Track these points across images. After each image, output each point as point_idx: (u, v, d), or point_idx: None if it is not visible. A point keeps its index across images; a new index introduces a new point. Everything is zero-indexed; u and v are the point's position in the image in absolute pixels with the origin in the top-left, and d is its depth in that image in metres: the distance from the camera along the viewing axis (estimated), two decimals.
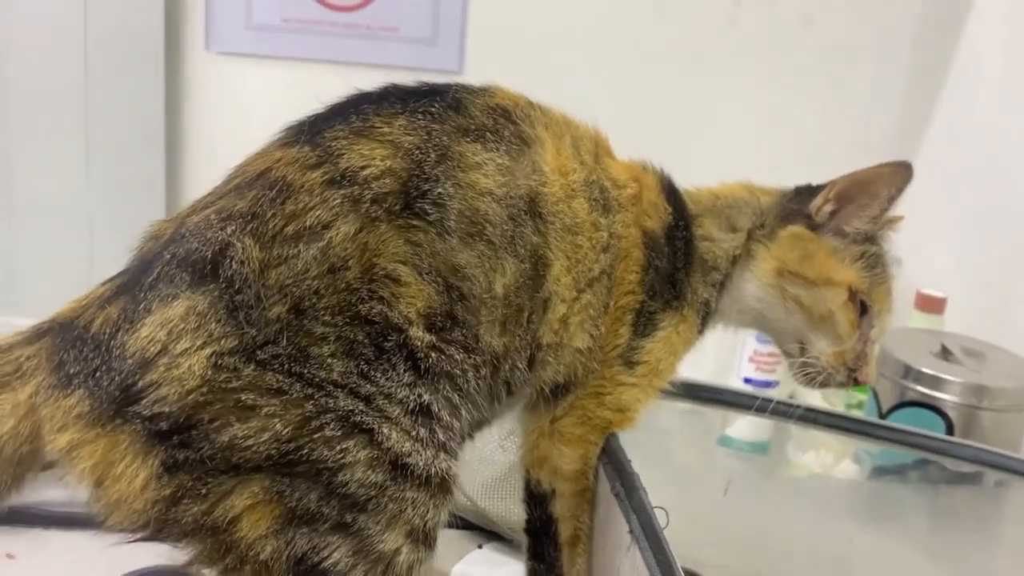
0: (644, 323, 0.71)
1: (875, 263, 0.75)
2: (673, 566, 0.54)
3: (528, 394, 0.68)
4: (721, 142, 1.68)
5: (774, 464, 1.38)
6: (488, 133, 0.61)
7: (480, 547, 0.93)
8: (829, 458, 1.31)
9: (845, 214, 0.74)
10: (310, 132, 0.57)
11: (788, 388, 1.47)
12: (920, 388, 1.24)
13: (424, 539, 0.56)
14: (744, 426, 1.35)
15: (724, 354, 1.47)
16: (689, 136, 1.68)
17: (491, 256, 0.59)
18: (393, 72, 1.65)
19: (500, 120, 0.63)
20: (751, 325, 0.81)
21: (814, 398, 1.37)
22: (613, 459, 0.69)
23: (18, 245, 1.65)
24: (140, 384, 0.47)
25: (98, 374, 0.48)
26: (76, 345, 0.50)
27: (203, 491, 0.49)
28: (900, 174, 0.73)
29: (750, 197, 0.78)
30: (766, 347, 1.43)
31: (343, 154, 0.55)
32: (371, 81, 1.80)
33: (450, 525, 0.58)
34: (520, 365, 0.63)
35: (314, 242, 0.52)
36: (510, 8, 1.66)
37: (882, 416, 1.26)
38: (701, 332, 0.78)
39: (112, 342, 0.49)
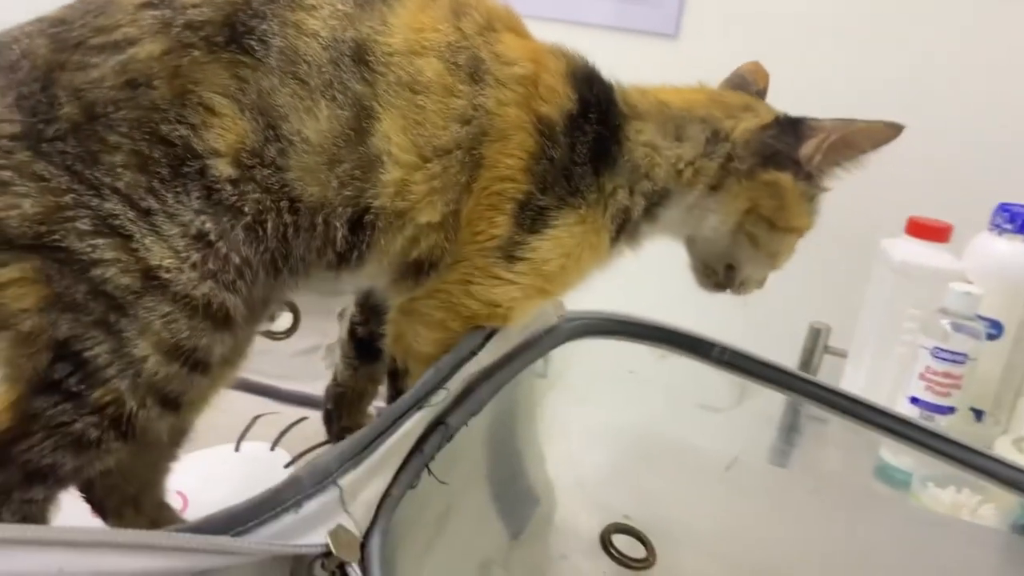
0: (531, 217, 0.65)
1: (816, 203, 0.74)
2: None
3: (382, 268, 0.66)
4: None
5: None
6: None
7: None
8: (973, 500, 1.07)
9: (826, 162, 0.70)
10: None
11: (963, 417, 1.23)
12: None
13: (179, 356, 0.57)
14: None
15: (889, 365, 1.27)
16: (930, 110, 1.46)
17: (305, 98, 0.58)
18: (608, 32, 1.65)
19: None
20: (679, 239, 0.77)
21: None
22: None
23: None
24: None
25: None
26: None
27: None
28: (890, 134, 0.68)
29: (709, 113, 0.71)
30: (942, 365, 1.20)
31: None
32: (580, 39, 1.81)
33: None
34: (337, 223, 0.61)
35: (116, 55, 0.55)
36: None
37: None
38: (618, 241, 0.70)
39: None
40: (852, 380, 1.35)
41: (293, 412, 0.97)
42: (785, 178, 0.70)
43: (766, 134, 0.70)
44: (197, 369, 0.59)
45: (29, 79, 0.54)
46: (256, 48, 0.57)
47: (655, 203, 0.70)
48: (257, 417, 0.93)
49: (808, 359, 1.55)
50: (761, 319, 1.71)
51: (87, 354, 0.55)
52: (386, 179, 0.61)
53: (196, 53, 0.56)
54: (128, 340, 0.56)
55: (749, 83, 0.78)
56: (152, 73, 0.55)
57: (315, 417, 0.95)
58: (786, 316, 1.54)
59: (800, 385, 0.84)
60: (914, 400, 1.22)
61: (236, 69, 0.57)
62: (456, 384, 0.61)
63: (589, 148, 0.66)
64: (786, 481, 0.87)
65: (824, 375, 1.57)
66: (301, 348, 1.06)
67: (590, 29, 1.66)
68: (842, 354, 1.44)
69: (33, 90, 0.54)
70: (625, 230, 0.70)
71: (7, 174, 0.53)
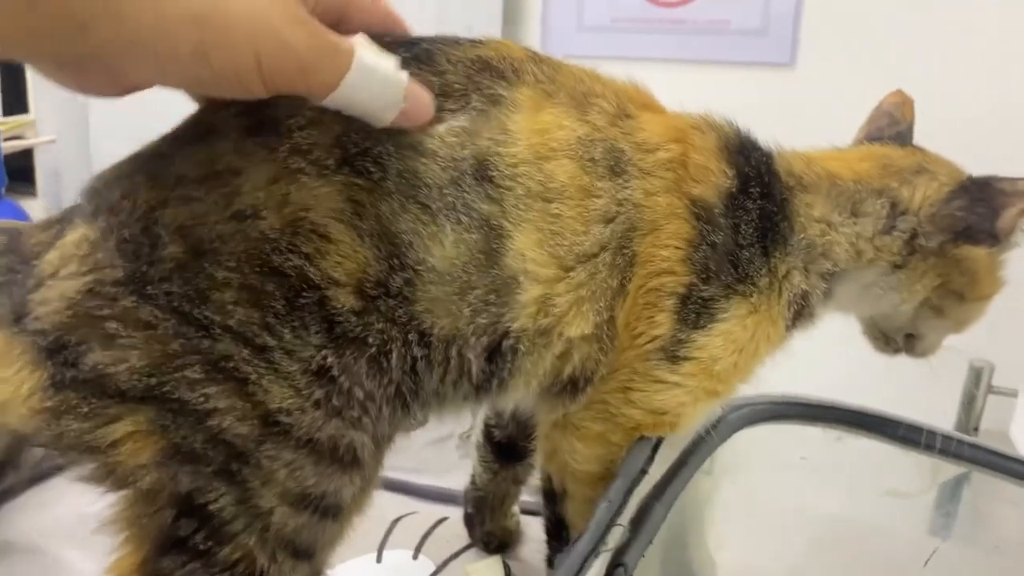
0: (695, 312, 0.58)
1: None
2: None
3: (529, 390, 0.59)
4: None
5: None
6: (452, 92, 0.53)
7: None
8: None
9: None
10: None
11: None
12: None
13: (308, 505, 0.52)
14: None
15: None
16: None
17: (428, 223, 0.52)
18: (721, 67, 1.58)
19: (475, 76, 0.54)
20: (851, 314, 0.71)
21: None
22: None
23: None
24: (28, 300, 0.49)
25: (14, 286, 0.51)
26: (14, 255, 0.52)
27: (85, 410, 0.49)
28: None
29: (884, 184, 0.63)
30: None
31: (274, 103, 0.50)
32: (697, 76, 1.75)
33: None
34: (471, 355, 0.54)
35: (220, 187, 0.50)
36: None
37: None
38: (794, 327, 0.62)
39: (35, 261, 0.51)
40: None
41: (430, 510, 0.91)
42: (979, 252, 0.63)
43: (953, 205, 0.62)
44: (328, 515, 0.54)
45: (131, 220, 0.50)
46: (372, 170, 0.51)
47: (831, 283, 0.63)
48: (396, 521, 0.87)
49: (970, 402, 1.42)
50: (913, 361, 1.58)
51: (212, 507, 0.51)
52: (524, 299, 0.54)
53: (305, 179, 0.50)
54: (253, 491, 0.51)
55: (897, 119, 0.71)
56: (259, 203, 0.50)
57: (454, 515, 0.90)
58: (942, 355, 1.42)
59: (1004, 464, 0.73)
60: None
61: (350, 192, 0.51)
62: (629, 513, 0.54)
63: (755, 227, 0.59)
64: (1005, 572, 0.75)
65: (990, 417, 1.43)
66: (433, 438, 1.01)
67: (706, 66, 1.59)
68: (1011, 393, 1.32)
69: (135, 232, 0.49)
70: (803, 315, 0.62)
71: (113, 325, 0.49)
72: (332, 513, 0.54)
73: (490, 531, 0.83)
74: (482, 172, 0.53)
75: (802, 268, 0.61)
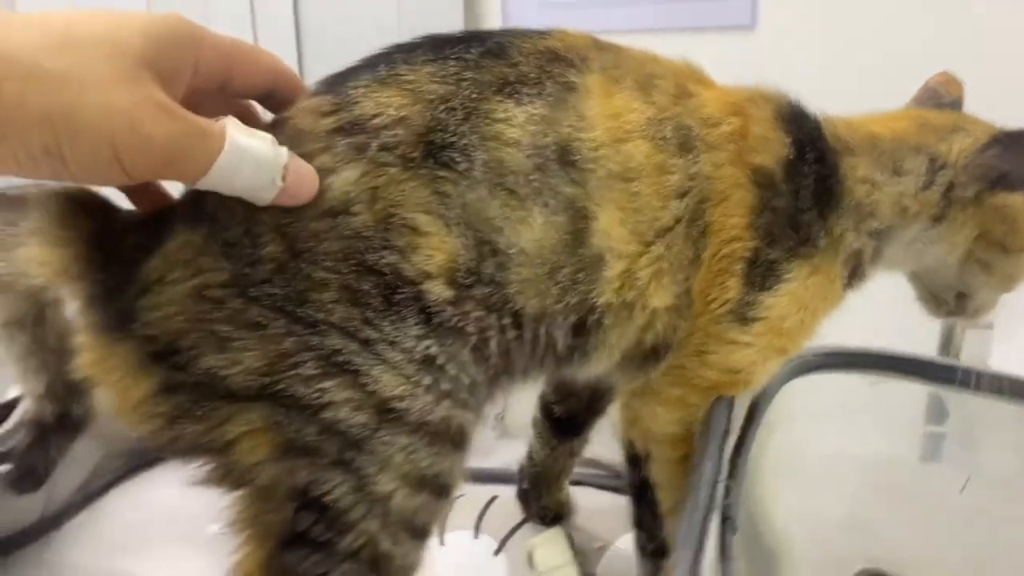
0: (761, 275, 0.61)
1: None
2: None
3: (612, 361, 0.62)
4: None
5: None
6: (527, 82, 0.55)
7: None
8: None
9: None
10: (337, 81, 0.55)
11: None
12: None
13: (425, 485, 0.54)
14: None
15: None
16: None
17: (517, 207, 0.54)
18: (682, 34, 1.60)
19: (546, 66, 0.56)
20: (902, 272, 0.74)
21: None
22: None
23: None
24: (135, 307, 0.50)
25: (111, 290, 0.51)
26: (103, 253, 0.52)
27: (199, 413, 0.50)
28: None
29: (921, 141, 0.66)
30: None
31: (358, 102, 0.52)
32: (660, 46, 1.77)
33: None
34: (559, 333, 0.57)
35: None
36: None
37: None
38: (849, 286, 0.66)
39: (134, 267, 0.51)
40: (1003, 354, 1.31)
41: (479, 490, 0.93)
42: (1016, 199, 0.66)
43: (988, 155, 0.65)
44: (443, 494, 0.56)
45: (232, 223, 0.51)
46: (458, 160, 0.53)
47: (880, 241, 0.66)
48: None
49: (949, 336, 1.49)
50: (892, 298, 1.66)
51: (327, 498, 0.52)
52: (609, 275, 0.57)
53: (393, 171, 0.52)
54: (368, 477, 0.52)
55: (941, 95, 0.74)
56: (350, 199, 0.51)
57: (503, 493, 0.92)
58: None
59: None
60: None
61: (436, 184, 0.52)
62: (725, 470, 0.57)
63: (812, 191, 0.62)
64: None
65: (969, 352, 1.50)
66: None
67: (667, 33, 1.62)
68: (987, 327, 1.39)
69: (237, 234, 0.50)
70: (856, 274, 0.65)
71: (224, 328, 0.50)
72: (445, 492, 0.56)
73: (546, 505, 0.86)
74: (565, 157, 0.55)
75: (853, 228, 0.64)
